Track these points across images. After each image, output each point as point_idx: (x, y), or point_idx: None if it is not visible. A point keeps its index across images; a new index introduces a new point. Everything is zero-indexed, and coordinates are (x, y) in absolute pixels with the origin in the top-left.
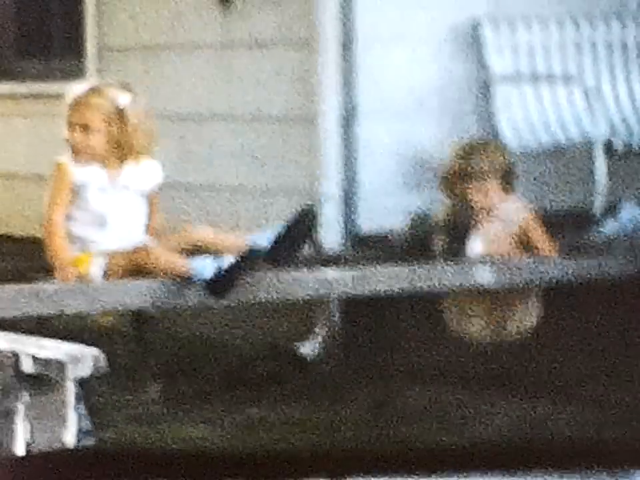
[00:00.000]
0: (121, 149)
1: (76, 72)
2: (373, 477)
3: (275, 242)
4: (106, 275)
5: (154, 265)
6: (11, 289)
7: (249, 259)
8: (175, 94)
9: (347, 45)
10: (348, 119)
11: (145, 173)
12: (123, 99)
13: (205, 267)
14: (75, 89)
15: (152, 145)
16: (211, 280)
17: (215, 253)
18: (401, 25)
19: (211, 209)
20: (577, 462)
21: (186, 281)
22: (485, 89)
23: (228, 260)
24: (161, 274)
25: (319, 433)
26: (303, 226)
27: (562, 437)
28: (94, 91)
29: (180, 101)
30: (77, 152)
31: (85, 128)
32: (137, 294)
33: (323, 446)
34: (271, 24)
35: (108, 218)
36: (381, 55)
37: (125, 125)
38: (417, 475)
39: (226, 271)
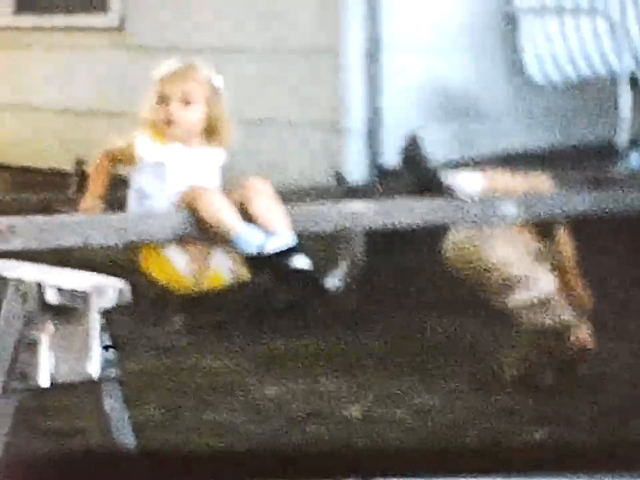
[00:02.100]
0: (211, 130)
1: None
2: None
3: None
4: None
5: (204, 210)
6: (35, 219)
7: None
8: (201, 26)
9: None
10: (372, 52)
11: (218, 157)
12: (218, 80)
13: (249, 241)
14: (167, 63)
15: (232, 134)
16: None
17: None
18: None
19: (235, 141)
20: None
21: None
22: (510, 22)
23: (273, 245)
24: (207, 224)
25: (342, 364)
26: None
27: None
28: (193, 67)
29: (205, 33)
30: (170, 126)
31: (186, 101)
32: (160, 226)
33: (347, 375)
34: None
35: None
36: None
37: (221, 105)
38: None
39: (266, 257)
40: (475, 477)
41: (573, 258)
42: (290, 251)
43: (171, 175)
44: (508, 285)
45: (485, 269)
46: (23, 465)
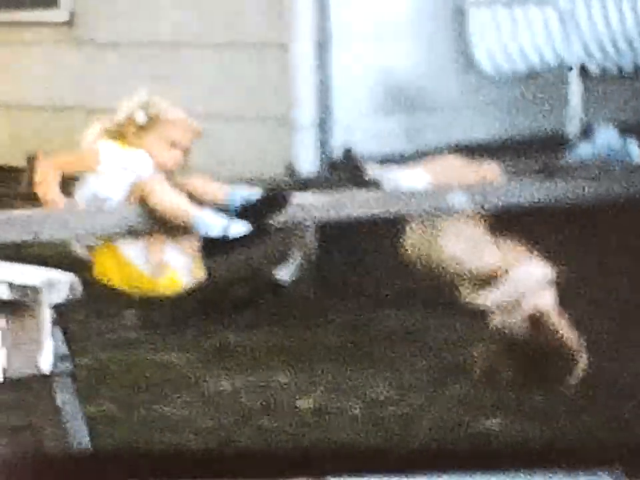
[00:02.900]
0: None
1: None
2: None
3: (247, 207)
4: None
5: (198, 193)
6: None
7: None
8: (152, 20)
9: None
10: (321, 45)
11: None
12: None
13: (211, 224)
14: (173, 111)
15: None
16: (241, 210)
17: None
18: None
19: None
20: None
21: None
22: (459, 14)
23: (257, 194)
24: (163, 216)
25: (295, 357)
26: (274, 204)
27: None
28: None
29: (156, 28)
30: (171, 167)
31: (186, 150)
32: (110, 219)
33: (300, 368)
34: None
35: None
36: None
37: None
38: None
39: (255, 204)
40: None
41: None
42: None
43: (132, 180)
44: (481, 282)
45: (442, 265)
46: None
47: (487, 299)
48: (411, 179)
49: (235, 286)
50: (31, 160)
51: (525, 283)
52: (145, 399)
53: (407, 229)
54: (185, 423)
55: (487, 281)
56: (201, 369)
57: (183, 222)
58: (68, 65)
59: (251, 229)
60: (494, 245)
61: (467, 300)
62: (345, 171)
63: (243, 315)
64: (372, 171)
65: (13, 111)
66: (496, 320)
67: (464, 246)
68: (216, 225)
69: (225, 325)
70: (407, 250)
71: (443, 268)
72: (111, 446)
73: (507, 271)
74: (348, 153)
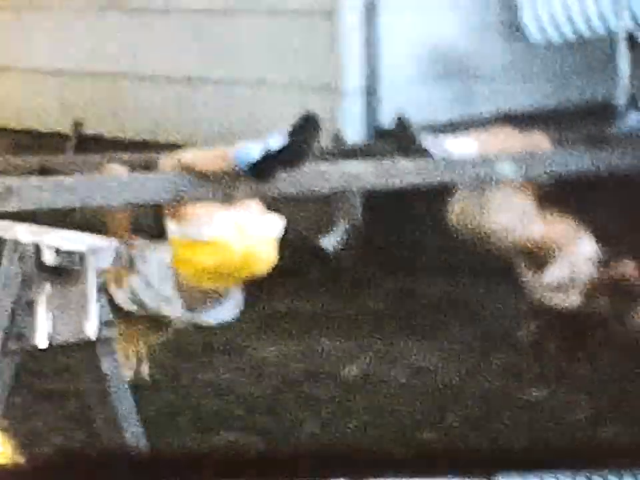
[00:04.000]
0: None
1: None
2: None
3: (263, 160)
4: None
5: (200, 167)
6: (33, 180)
7: (298, 142)
8: None
9: None
10: (369, 12)
11: None
12: None
13: (250, 151)
14: None
15: None
16: (257, 163)
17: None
18: None
19: (234, 103)
20: None
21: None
22: None
23: (275, 142)
24: (207, 171)
25: (340, 324)
26: (306, 134)
27: None
28: None
29: None
30: None
31: None
32: (156, 188)
33: (345, 336)
34: None
35: None
36: None
37: None
38: None
39: (273, 154)
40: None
41: None
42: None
43: None
44: (529, 255)
45: (488, 234)
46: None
47: (543, 280)
48: (460, 147)
49: (281, 254)
50: (77, 126)
51: (578, 263)
52: (190, 366)
53: (454, 197)
54: (230, 389)
55: (535, 255)
56: (246, 336)
57: (226, 163)
58: (117, 32)
59: (288, 142)
60: (542, 218)
61: (525, 279)
62: (397, 138)
63: (290, 283)
64: (423, 139)
65: (60, 78)
66: (548, 297)
67: (511, 216)
68: (254, 147)
69: (271, 292)
70: (453, 218)
71: (489, 237)
72: (155, 412)
73: (556, 247)
74: (400, 120)
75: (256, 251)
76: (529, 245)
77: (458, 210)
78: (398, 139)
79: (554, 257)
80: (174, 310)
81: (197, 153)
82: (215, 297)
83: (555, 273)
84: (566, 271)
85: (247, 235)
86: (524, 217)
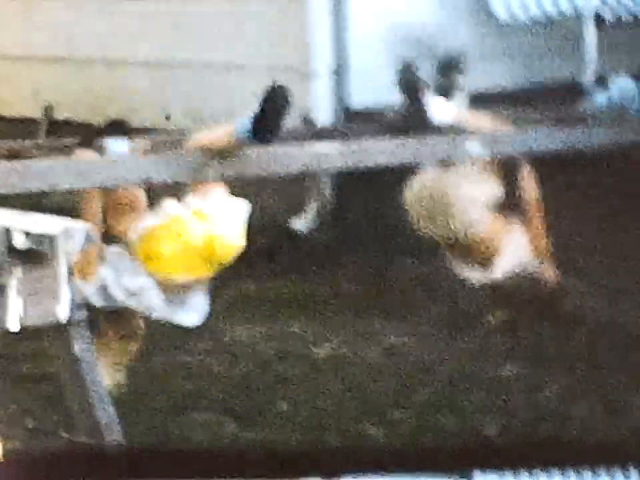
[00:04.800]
0: None
1: None
2: None
3: (255, 121)
4: None
5: (205, 138)
6: (2, 165)
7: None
8: None
9: None
10: None
11: None
12: None
13: (244, 121)
14: None
15: None
16: (254, 128)
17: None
18: None
19: (204, 86)
20: None
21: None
22: None
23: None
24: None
25: (311, 305)
26: (277, 104)
27: None
28: None
29: None
30: None
31: None
32: (128, 170)
33: (317, 317)
34: None
35: None
36: None
37: None
38: None
39: (263, 112)
40: None
41: (535, 200)
42: None
43: None
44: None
45: (444, 214)
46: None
47: (488, 276)
48: (443, 108)
49: (252, 236)
50: (48, 111)
51: (519, 251)
52: (162, 347)
53: (415, 178)
54: (202, 371)
55: (475, 248)
56: (218, 318)
57: (227, 139)
58: (87, 17)
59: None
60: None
61: (469, 278)
62: (406, 85)
63: (260, 264)
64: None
65: (31, 63)
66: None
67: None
68: (244, 122)
69: (242, 274)
70: (408, 197)
71: (434, 221)
72: (128, 394)
73: (497, 241)
74: (408, 67)
75: (221, 236)
76: (475, 238)
77: (416, 189)
78: (406, 86)
79: (495, 251)
80: (151, 300)
81: (208, 132)
82: (182, 296)
83: (503, 267)
84: (510, 265)
85: (211, 221)
86: (479, 209)
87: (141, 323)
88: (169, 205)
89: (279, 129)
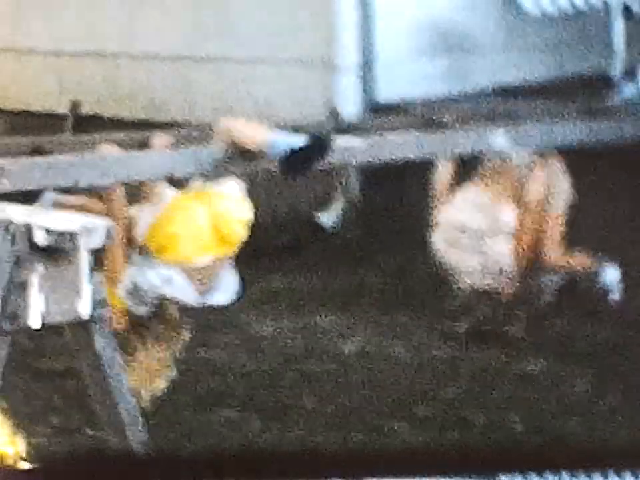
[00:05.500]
0: None
1: None
2: None
3: (290, 156)
4: None
5: (239, 137)
6: (24, 161)
7: (318, 146)
8: None
9: None
10: None
11: None
12: None
13: (281, 145)
14: None
15: None
16: (287, 161)
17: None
18: None
19: (230, 80)
20: None
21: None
22: None
23: (300, 140)
24: (242, 145)
25: (339, 300)
26: (317, 150)
27: None
28: None
29: None
30: None
31: None
32: (147, 166)
33: (344, 312)
34: None
35: None
36: None
37: None
38: None
39: (300, 155)
40: None
41: (537, 202)
42: None
43: None
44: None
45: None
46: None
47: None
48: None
49: (279, 231)
50: (75, 106)
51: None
52: (188, 344)
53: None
54: (228, 367)
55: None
56: (244, 313)
57: (260, 146)
58: (114, 12)
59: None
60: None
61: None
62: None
63: (287, 259)
64: None
65: (58, 58)
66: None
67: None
68: (286, 142)
69: (269, 269)
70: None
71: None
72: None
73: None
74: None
75: (224, 212)
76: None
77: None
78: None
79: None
80: (180, 288)
81: (241, 125)
82: (210, 279)
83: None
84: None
85: (211, 200)
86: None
87: (179, 320)
88: (164, 193)
89: (307, 173)
